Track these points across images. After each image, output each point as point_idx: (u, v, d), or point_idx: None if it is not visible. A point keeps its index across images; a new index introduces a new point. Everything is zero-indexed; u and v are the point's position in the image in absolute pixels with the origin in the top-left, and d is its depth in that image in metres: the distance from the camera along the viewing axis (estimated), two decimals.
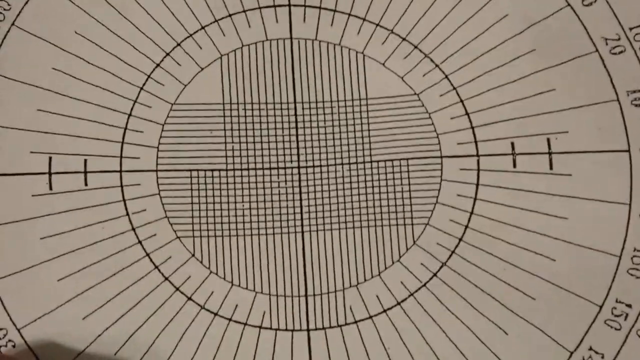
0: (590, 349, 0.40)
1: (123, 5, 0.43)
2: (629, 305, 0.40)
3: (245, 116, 0.42)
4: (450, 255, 0.41)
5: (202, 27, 0.43)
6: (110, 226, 0.41)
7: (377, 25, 0.43)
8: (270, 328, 0.40)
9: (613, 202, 0.42)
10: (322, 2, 0.43)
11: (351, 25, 0.43)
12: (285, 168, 0.42)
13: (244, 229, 0.41)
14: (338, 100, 0.42)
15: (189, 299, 0.40)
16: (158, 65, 0.42)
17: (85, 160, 0.41)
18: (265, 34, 0.43)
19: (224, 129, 0.42)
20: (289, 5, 0.43)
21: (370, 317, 0.40)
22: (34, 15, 0.42)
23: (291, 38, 0.43)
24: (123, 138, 0.41)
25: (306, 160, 0.42)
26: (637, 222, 0.41)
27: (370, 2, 0.43)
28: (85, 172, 0.41)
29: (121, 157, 0.41)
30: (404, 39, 0.43)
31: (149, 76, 0.42)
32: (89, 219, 0.40)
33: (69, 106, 0.41)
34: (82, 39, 0.42)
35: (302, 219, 0.41)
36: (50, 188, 0.41)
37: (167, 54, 0.42)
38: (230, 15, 0.43)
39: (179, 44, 0.42)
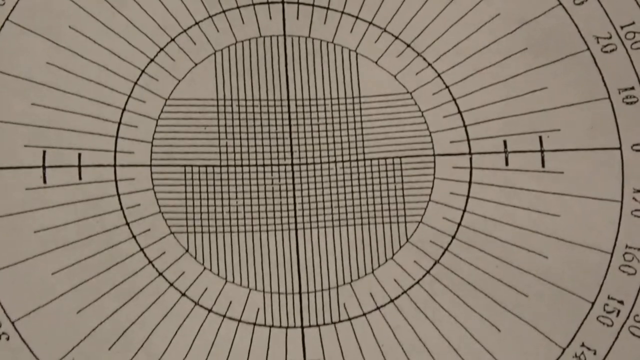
0: (583, 345, 0.40)
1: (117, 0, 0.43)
2: (621, 302, 0.41)
3: (239, 112, 0.42)
4: (443, 253, 0.41)
5: (196, 23, 0.43)
6: (104, 220, 0.40)
7: (370, 23, 0.43)
8: (264, 325, 0.40)
9: (605, 200, 0.42)
10: None
11: (344, 23, 0.43)
12: (278, 165, 0.42)
13: (237, 226, 0.41)
14: (331, 98, 0.42)
15: (183, 294, 0.40)
16: (152, 60, 0.42)
17: (80, 154, 0.41)
18: (258, 30, 0.43)
19: (218, 125, 0.42)
20: (283, 2, 0.43)
21: (364, 314, 0.40)
22: (28, 10, 0.42)
23: (284, 35, 0.43)
24: (117, 132, 0.41)
25: (299, 158, 0.42)
26: (628, 220, 0.41)
27: (363, 1, 0.43)
28: (80, 166, 0.41)
29: (115, 151, 0.41)
30: (396, 38, 0.43)
31: (143, 71, 0.42)
32: (83, 212, 0.40)
33: (63, 100, 0.41)
34: (76, 34, 0.42)
35: (295, 216, 0.41)
36: (45, 182, 0.40)
37: (161, 49, 0.42)
38: (224, 12, 0.43)
39: (173, 39, 0.42)
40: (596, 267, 0.41)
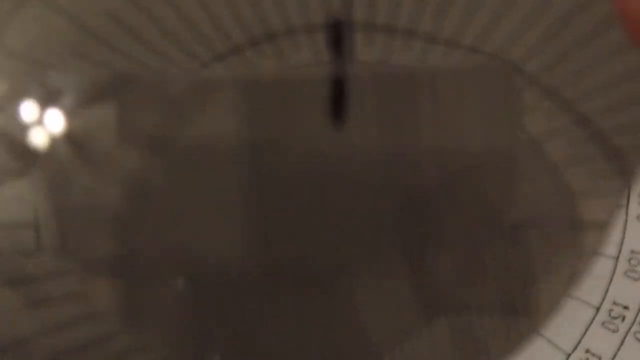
0: (587, 351, 0.40)
1: None
2: (626, 307, 0.40)
3: None
4: None
5: None
6: None
7: None
8: None
9: None
10: None
11: None
12: None
13: None
14: None
15: None
16: None
17: None
18: None
19: None
20: None
21: None
22: None
23: None
24: None
25: None
26: (634, 225, 0.41)
27: None
28: None
29: None
30: None
31: None
32: None
33: None
34: None
35: None
36: None
37: None
38: None
39: None
40: (601, 272, 0.41)
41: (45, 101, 0.36)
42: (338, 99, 0.36)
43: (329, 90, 0.36)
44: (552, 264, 0.38)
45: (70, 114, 0.36)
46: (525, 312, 0.38)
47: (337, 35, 0.37)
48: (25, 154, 0.36)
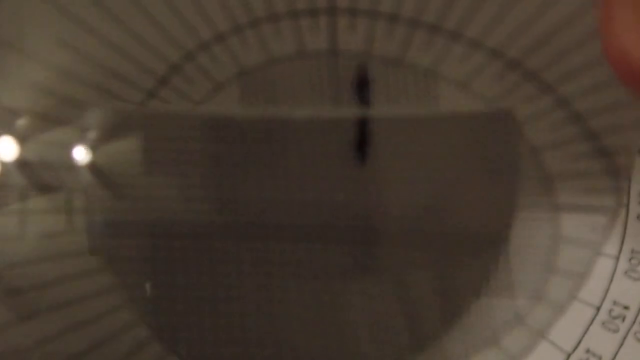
0: (588, 351, 0.40)
1: None
2: (627, 307, 0.40)
3: None
4: None
5: None
6: None
7: None
8: None
9: None
10: None
11: None
12: None
13: None
14: None
15: None
16: None
17: None
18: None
19: None
20: None
21: None
22: None
23: None
24: None
25: None
26: (634, 224, 0.41)
27: None
28: None
29: None
30: None
31: None
32: None
33: None
34: None
35: None
36: None
37: None
38: None
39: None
40: (601, 271, 0.40)
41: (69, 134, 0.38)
42: (362, 139, 0.38)
43: (354, 131, 0.38)
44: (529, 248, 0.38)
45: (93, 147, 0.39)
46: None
47: (362, 81, 0.39)
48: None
